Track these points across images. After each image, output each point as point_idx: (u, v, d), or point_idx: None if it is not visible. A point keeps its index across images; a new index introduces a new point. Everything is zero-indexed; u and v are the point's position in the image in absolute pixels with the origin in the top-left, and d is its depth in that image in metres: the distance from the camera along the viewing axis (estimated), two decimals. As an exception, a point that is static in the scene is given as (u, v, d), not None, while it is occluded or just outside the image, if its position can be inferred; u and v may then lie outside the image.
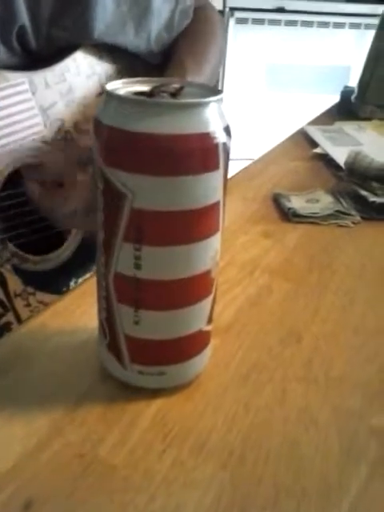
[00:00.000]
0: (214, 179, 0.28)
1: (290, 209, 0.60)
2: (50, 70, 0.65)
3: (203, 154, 0.27)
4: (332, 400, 0.35)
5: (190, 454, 0.31)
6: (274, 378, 0.37)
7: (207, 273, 0.31)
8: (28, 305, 0.62)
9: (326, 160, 0.81)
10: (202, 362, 0.35)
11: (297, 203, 0.62)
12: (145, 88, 0.30)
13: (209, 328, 0.35)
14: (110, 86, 0.28)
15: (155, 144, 0.26)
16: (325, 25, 2.26)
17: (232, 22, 2.31)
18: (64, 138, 0.66)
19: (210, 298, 0.33)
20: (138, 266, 0.29)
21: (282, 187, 0.69)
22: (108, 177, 0.28)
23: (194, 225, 0.29)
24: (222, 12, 2.27)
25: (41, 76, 0.64)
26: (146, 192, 0.27)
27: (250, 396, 0.35)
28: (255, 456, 0.31)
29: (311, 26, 2.27)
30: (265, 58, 2.38)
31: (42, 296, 0.64)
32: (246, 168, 0.78)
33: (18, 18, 0.62)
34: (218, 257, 0.32)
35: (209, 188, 0.28)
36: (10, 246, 0.59)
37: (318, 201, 0.64)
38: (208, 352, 0.36)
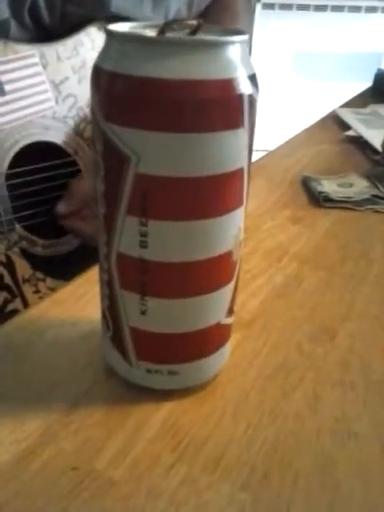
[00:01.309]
0: (237, 139, 0.23)
1: (321, 193, 0.55)
2: (63, 44, 0.61)
3: (224, 106, 0.22)
4: (373, 408, 0.30)
5: (204, 469, 0.26)
6: (304, 380, 0.31)
7: (228, 255, 0.26)
8: (37, 291, 0.58)
9: (359, 143, 0.75)
10: (221, 360, 0.30)
11: (328, 187, 0.57)
12: (154, 33, 0.25)
13: (229, 321, 0.30)
14: (112, 27, 0.23)
15: (164, 92, 0.21)
16: (356, 9, 2.16)
17: (258, 7, 2.24)
18: (77, 116, 0.61)
19: (231, 285, 0.28)
20: (144, 245, 0.25)
21: (311, 171, 0.63)
22: (108, 135, 0.23)
23: (212, 195, 0.24)
24: (248, -2, 2.20)
25: (52, 49, 0.59)
26: (152, 153, 0.22)
27: (277, 401, 0.30)
28: (282, 475, 0.26)
29: (342, 11, 2.18)
30: (292, 45, 2.30)
31: (53, 282, 0.60)
32: (271, 151, 0.73)
33: None
34: (241, 236, 0.27)
35: (230, 150, 0.23)
36: (18, 227, 0.55)
37: (351, 185, 0.58)
38: (228, 349, 0.31)
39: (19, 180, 0.55)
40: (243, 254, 0.45)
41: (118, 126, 0.22)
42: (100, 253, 0.27)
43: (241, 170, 0.24)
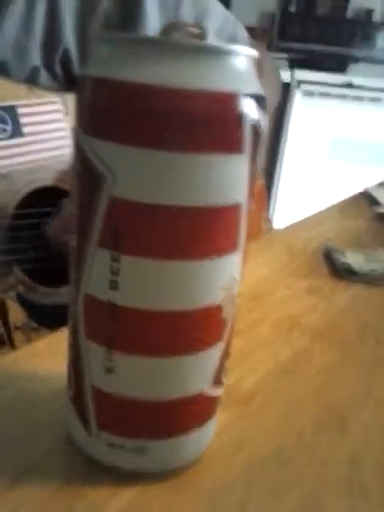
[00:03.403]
0: (234, 167, 0.19)
1: (343, 264, 0.50)
2: None
3: (219, 122, 0.18)
4: (388, 525, 0.23)
5: None
6: (302, 478, 0.26)
7: (216, 309, 0.22)
8: (29, 341, 0.53)
9: (390, 221, 0.71)
10: (202, 441, 0.25)
11: (352, 259, 0.52)
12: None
13: (216, 392, 0.24)
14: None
15: (147, 100, 0.18)
16: (394, 101, 2.21)
17: (298, 93, 2.30)
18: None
19: (220, 348, 0.23)
20: (114, 286, 0.20)
21: (335, 244, 0.59)
22: (84, 151, 0.20)
23: (197, 231, 0.20)
24: (288, 84, 2.27)
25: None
26: (130, 173, 0.19)
27: (265, 502, 0.24)
28: None
29: (379, 102, 2.22)
30: (329, 131, 2.34)
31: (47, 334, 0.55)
32: (296, 222, 0.69)
33: (63, 40, 0.58)
34: (234, 290, 0.23)
35: (224, 178, 0.19)
36: (17, 270, 0.52)
37: (379, 260, 0.53)
38: (212, 427, 0.26)
39: (25, 221, 0.52)
40: (249, 322, 0.41)
41: (94, 139, 0.19)
42: (70, 294, 0.23)
43: (237, 207, 0.20)
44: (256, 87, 0.20)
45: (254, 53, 0.19)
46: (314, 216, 0.73)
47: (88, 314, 0.22)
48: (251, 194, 0.21)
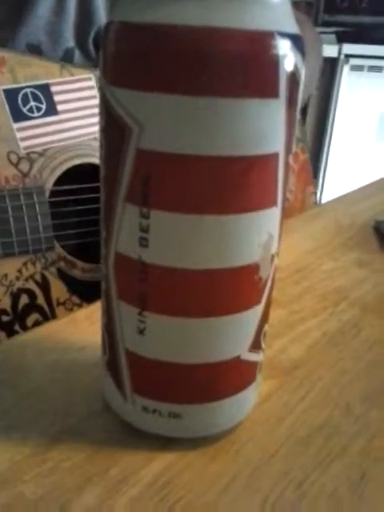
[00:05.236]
0: (270, 112, 0.18)
1: (394, 235, 0.48)
2: None
3: (256, 65, 0.17)
4: None
5: None
6: (348, 450, 0.24)
7: (252, 268, 0.21)
8: None
9: None
10: (241, 408, 0.24)
11: (404, 231, 0.49)
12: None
13: (255, 358, 0.23)
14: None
15: (179, 40, 0.17)
16: None
17: (346, 69, 2.22)
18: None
19: (258, 310, 0.22)
20: (144, 243, 0.20)
21: (386, 216, 0.56)
22: (109, 101, 0.19)
23: (231, 182, 0.18)
24: (336, 59, 2.19)
25: None
26: (158, 123, 0.18)
27: (308, 473, 0.23)
28: None
29: None
30: (378, 107, 2.24)
31: None
32: (345, 194, 0.66)
33: (96, 20, 0.58)
34: (272, 248, 0.21)
35: (261, 126, 0.18)
36: (58, 246, 0.52)
37: None
38: (252, 395, 0.25)
39: (63, 198, 0.53)
40: (294, 294, 0.39)
41: (119, 89, 0.18)
42: (102, 255, 0.23)
43: (274, 157, 0.19)
44: (293, 27, 0.18)
45: (290, -13, 0.18)
46: (361, 190, 0.70)
47: (119, 274, 0.21)
48: (289, 144, 0.20)
